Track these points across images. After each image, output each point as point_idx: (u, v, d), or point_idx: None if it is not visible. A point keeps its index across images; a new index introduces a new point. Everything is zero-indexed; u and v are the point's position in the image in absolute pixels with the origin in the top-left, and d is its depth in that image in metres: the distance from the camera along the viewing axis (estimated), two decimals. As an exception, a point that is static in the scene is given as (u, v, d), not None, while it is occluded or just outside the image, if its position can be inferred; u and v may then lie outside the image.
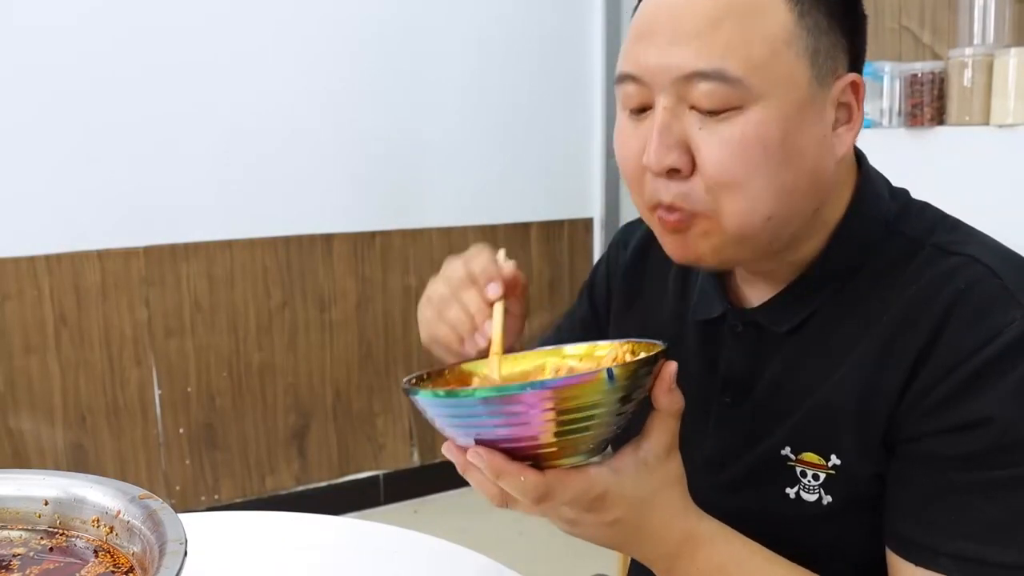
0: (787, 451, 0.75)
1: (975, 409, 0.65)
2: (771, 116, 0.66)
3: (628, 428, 0.65)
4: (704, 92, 0.66)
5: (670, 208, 0.70)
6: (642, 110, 0.71)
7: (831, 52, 0.69)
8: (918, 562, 0.67)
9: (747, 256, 0.73)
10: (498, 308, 0.75)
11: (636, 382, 0.62)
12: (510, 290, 0.77)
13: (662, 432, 0.66)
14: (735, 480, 0.79)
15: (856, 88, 0.71)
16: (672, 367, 0.65)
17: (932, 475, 0.67)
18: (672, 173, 0.69)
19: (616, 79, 0.72)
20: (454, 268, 0.79)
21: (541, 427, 0.59)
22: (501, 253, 0.80)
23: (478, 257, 0.78)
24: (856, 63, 0.72)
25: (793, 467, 0.75)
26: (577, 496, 0.63)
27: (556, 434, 0.60)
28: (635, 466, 0.65)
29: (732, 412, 0.80)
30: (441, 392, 0.61)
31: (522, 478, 0.61)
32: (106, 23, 2.33)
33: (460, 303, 0.77)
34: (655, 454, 0.66)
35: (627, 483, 0.64)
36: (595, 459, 0.65)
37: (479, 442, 0.61)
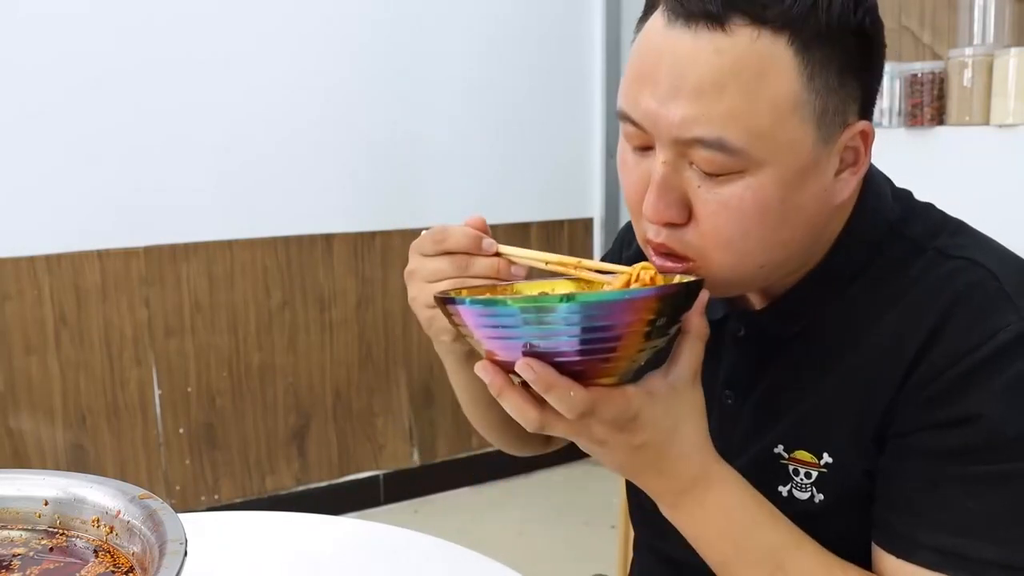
0: (780, 449, 0.76)
1: (966, 406, 0.65)
2: (771, 181, 0.65)
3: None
4: (704, 157, 0.65)
5: (665, 253, 0.70)
6: (644, 149, 0.70)
7: (840, 108, 0.67)
8: (899, 553, 0.68)
9: (737, 293, 0.75)
10: (507, 249, 0.74)
11: (686, 304, 0.64)
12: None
13: (690, 356, 0.66)
14: None
15: (865, 136, 0.69)
16: (706, 293, 0.66)
17: (918, 468, 0.68)
18: (669, 224, 0.69)
19: (617, 113, 0.71)
20: (439, 264, 0.74)
21: (629, 338, 0.60)
22: (435, 231, 0.76)
23: (448, 237, 0.74)
24: (868, 106, 0.70)
25: (786, 465, 0.76)
26: (616, 415, 0.63)
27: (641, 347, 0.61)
28: (666, 390, 0.65)
29: (732, 410, 0.81)
30: (524, 301, 0.59)
31: (572, 392, 0.60)
32: (106, 22, 2.33)
33: (475, 276, 0.74)
34: (683, 379, 0.66)
35: (659, 407, 0.65)
36: (629, 379, 0.65)
37: (528, 355, 0.60)
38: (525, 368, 0.60)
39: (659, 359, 0.67)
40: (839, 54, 0.65)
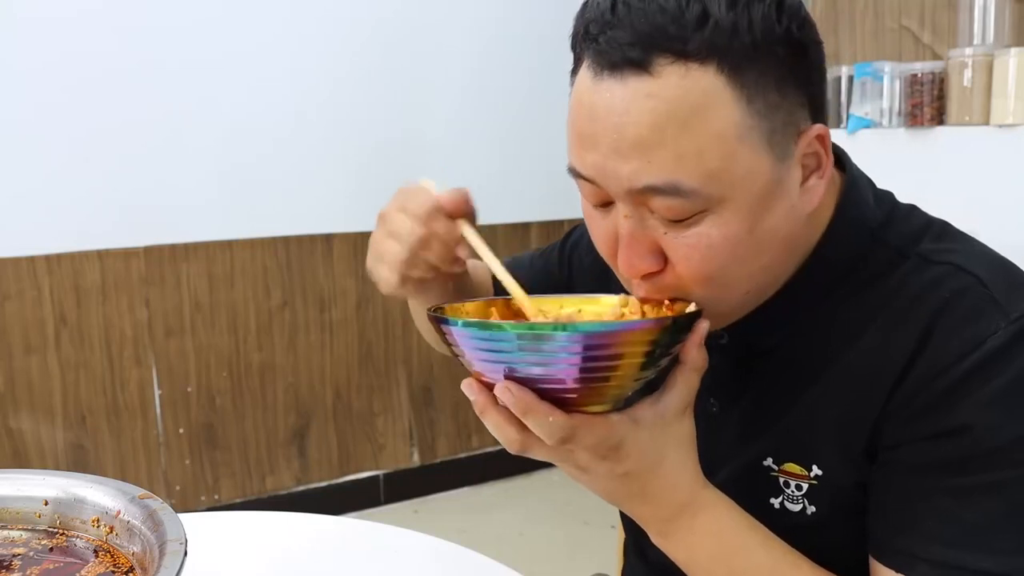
0: (769, 461, 0.75)
1: (955, 416, 0.64)
2: (735, 215, 0.64)
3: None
4: (662, 204, 0.63)
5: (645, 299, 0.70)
6: (605, 204, 0.69)
7: (788, 120, 0.64)
8: (897, 567, 0.67)
9: (729, 322, 0.74)
10: (467, 231, 0.77)
11: (680, 336, 0.63)
12: (461, 213, 0.78)
13: (683, 387, 0.66)
14: (721, 488, 0.79)
15: (822, 139, 0.67)
16: (705, 324, 0.65)
17: (911, 481, 0.67)
18: (647, 275, 0.68)
19: (568, 171, 0.69)
20: (399, 221, 0.78)
21: (624, 368, 0.59)
22: (428, 183, 0.80)
23: (413, 199, 0.78)
24: (818, 109, 0.67)
25: (776, 477, 0.75)
26: (598, 442, 0.62)
27: (628, 376, 0.61)
28: (653, 419, 0.65)
29: (720, 419, 0.80)
30: (519, 328, 0.58)
31: (550, 418, 0.60)
32: (106, 22, 2.33)
33: (427, 251, 0.77)
34: (673, 409, 0.66)
35: (644, 436, 0.64)
36: (617, 408, 0.65)
37: (509, 379, 0.60)
38: (504, 392, 0.60)
39: (649, 388, 0.67)
40: (773, 69, 0.62)
